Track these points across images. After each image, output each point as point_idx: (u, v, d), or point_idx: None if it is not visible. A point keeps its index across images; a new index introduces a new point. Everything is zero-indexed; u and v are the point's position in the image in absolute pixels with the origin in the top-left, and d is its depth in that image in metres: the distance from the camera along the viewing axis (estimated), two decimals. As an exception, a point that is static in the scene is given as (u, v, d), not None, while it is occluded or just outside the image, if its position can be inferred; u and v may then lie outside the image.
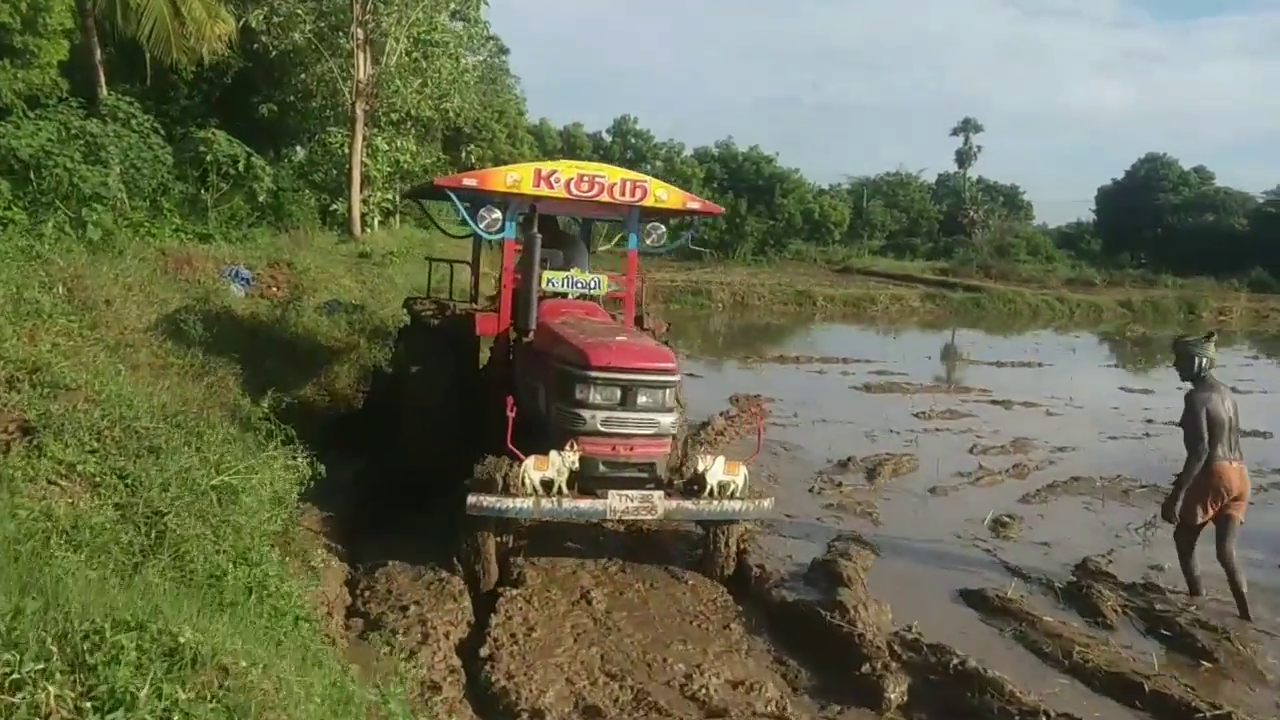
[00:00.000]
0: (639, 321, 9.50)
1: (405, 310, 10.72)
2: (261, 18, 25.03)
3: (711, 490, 7.39)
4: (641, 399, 7.36)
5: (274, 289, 14.69)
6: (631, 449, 7.41)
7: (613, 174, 8.69)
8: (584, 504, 7.17)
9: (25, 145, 13.08)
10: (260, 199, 21.11)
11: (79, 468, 5.37)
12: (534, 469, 7.07)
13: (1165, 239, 77.71)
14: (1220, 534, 7.83)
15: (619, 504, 7.18)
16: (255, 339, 11.73)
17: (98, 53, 20.26)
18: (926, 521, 9.74)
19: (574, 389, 7.34)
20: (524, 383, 8.34)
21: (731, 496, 7.41)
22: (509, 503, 6.96)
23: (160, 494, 5.46)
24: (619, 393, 7.32)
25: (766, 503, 7.62)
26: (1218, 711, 5.82)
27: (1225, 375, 10.52)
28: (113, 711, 2.89)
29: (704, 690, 6.00)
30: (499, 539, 7.41)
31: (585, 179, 8.58)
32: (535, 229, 8.43)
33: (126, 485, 5.47)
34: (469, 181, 8.51)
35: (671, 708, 5.75)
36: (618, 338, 7.82)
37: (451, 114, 31.47)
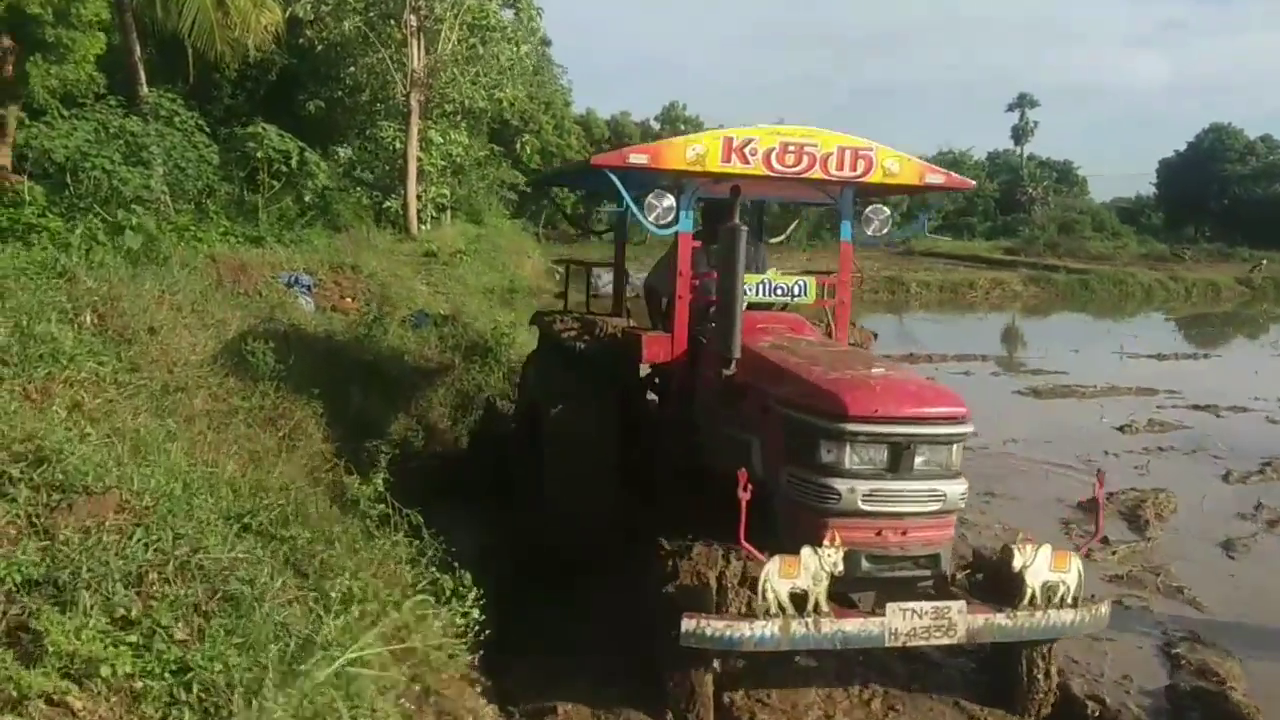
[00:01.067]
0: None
1: (536, 328, 8.16)
2: (310, 6, 23.41)
3: (1033, 596, 5.00)
4: (920, 460, 5.04)
5: (346, 299, 12.33)
6: (905, 534, 5.10)
7: (826, 141, 6.19)
8: (852, 626, 4.84)
9: (60, 146, 11.77)
10: (307, 199, 19.09)
11: (104, 669, 2.97)
12: (779, 576, 4.72)
13: (1232, 210, 74.82)
14: None
15: (902, 623, 4.85)
16: (333, 364, 9.36)
17: (137, 50, 18.21)
18: (1258, 599, 7.17)
19: (819, 448, 5.05)
20: (719, 435, 6.04)
21: (1061, 604, 5.04)
22: (744, 630, 4.69)
23: (250, 706, 3.06)
24: (887, 452, 5.02)
25: (1104, 608, 5.22)
26: None
27: None
28: None
29: None
30: (719, 672, 5.14)
31: (791, 149, 6.13)
32: (737, 218, 5.99)
33: (189, 691, 3.07)
34: (637, 158, 6.02)
35: None
36: (874, 370, 5.48)
37: (505, 103, 30.11)
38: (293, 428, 7.44)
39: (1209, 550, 8.16)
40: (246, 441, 6.61)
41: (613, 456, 6.54)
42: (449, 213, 31.72)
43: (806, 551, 4.71)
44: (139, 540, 3.70)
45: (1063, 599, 5.03)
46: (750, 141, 6.10)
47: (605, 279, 8.81)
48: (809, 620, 4.74)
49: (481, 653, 4.66)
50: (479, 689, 4.94)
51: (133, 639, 3.17)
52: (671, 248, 6.63)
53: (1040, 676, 5.34)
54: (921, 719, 5.42)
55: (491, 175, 37.29)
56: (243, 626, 3.49)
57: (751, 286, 6.46)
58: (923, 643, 4.94)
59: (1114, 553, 7.94)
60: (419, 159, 25.58)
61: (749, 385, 5.77)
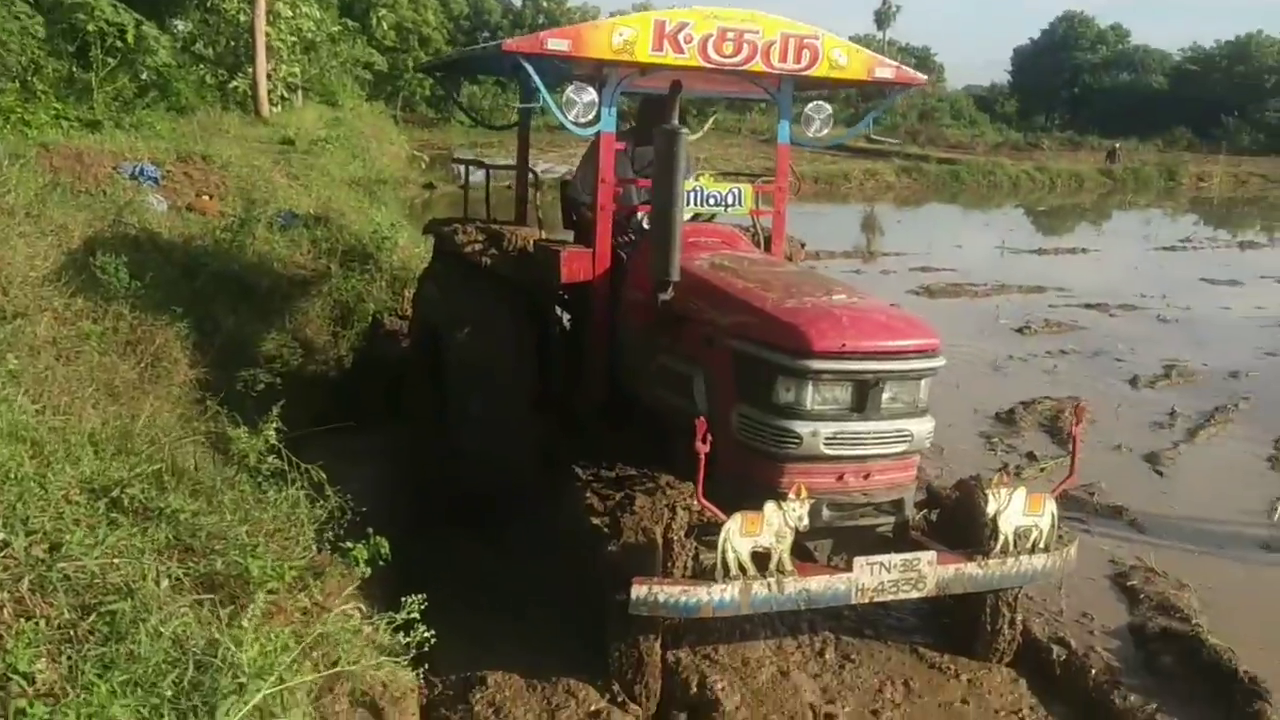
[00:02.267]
0: (767, 244, 6.43)
1: (432, 239, 7.17)
2: None
3: (1006, 542, 4.56)
4: (888, 398, 4.54)
5: (202, 196, 11.07)
6: (868, 478, 4.61)
7: (768, 26, 5.46)
8: (817, 584, 4.32)
9: None
10: (145, 78, 17.35)
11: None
12: (740, 534, 4.17)
13: (1082, 98, 77.34)
14: None
15: (869, 578, 4.37)
16: (194, 276, 8.28)
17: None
18: (1194, 518, 7.00)
19: (776, 387, 4.49)
20: (653, 365, 5.34)
21: (1033, 549, 4.62)
22: (702, 594, 4.15)
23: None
24: (852, 390, 4.49)
25: (1073, 550, 4.83)
26: None
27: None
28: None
29: None
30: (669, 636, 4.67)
31: (730, 35, 5.40)
32: (677, 119, 5.30)
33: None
34: (555, 44, 5.18)
35: None
36: (836, 296, 4.82)
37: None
38: (155, 353, 6.48)
39: (1135, 464, 7.98)
40: (102, 373, 5.72)
41: (529, 390, 5.95)
42: (300, 94, 29.67)
43: (770, 507, 4.19)
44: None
45: (1034, 544, 4.64)
46: (684, 26, 5.35)
47: (479, 171, 7.72)
48: (771, 581, 4.25)
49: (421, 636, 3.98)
50: (397, 659, 4.27)
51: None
52: (591, 149, 5.93)
53: (1005, 622, 5.01)
54: (880, 668, 5.02)
55: (345, 53, 35.06)
56: (124, 656, 2.73)
57: (683, 195, 5.50)
58: (891, 597, 4.51)
59: (1042, 469, 7.70)
60: (267, 34, 23.76)
61: (689, 312, 5.13)
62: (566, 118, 5.29)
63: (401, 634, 3.81)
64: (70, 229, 7.70)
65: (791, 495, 4.22)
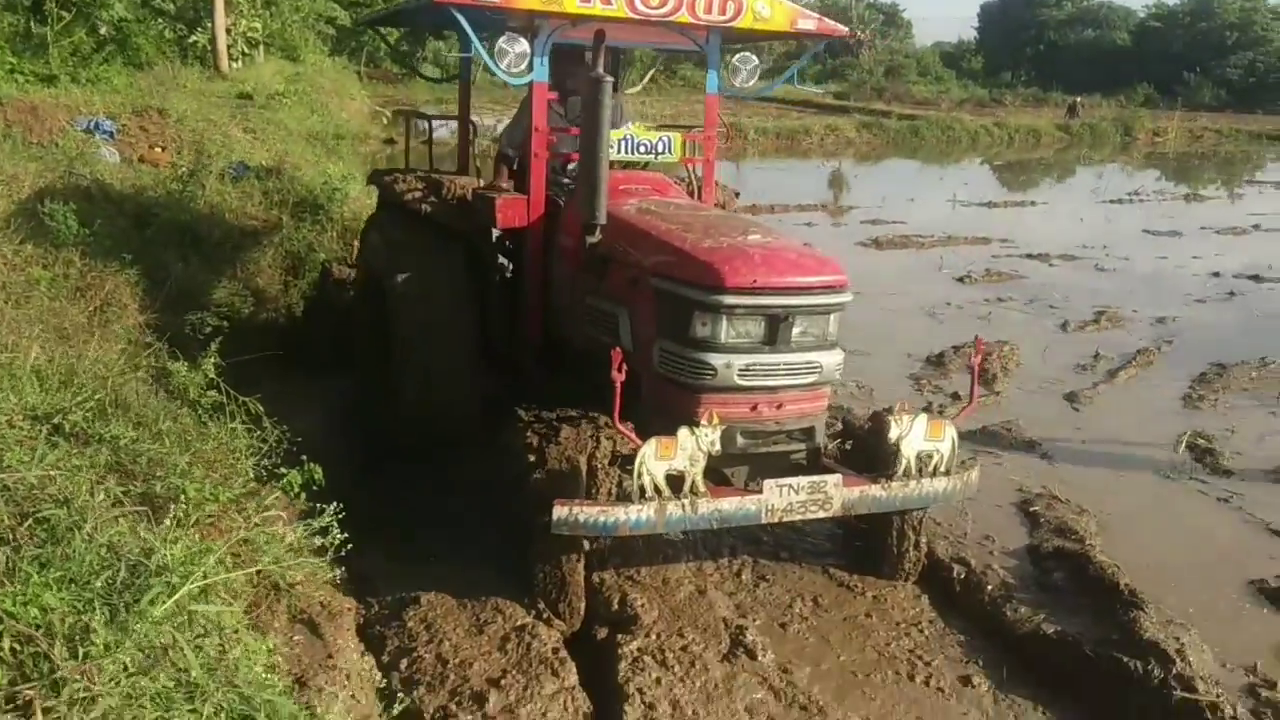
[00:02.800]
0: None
1: (375, 188, 7.36)
2: None
3: (908, 466, 4.87)
4: (798, 332, 4.81)
5: (155, 149, 11.18)
6: (780, 407, 4.91)
7: None
8: (729, 505, 4.62)
9: None
10: (103, 31, 17.23)
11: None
12: (655, 458, 4.44)
13: (1047, 55, 77.72)
14: None
15: (779, 499, 4.66)
16: (145, 224, 8.47)
17: None
18: (1104, 452, 7.38)
19: (693, 322, 4.75)
20: (583, 307, 5.59)
21: (934, 473, 4.92)
22: (619, 514, 4.43)
23: (77, 656, 2.61)
24: (764, 324, 4.75)
25: (974, 474, 5.17)
26: None
27: (1233, 209, 8.22)
28: None
29: None
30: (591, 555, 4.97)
31: None
32: (602, 67, 5.32)
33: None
34: None
35: None
36: (751, 236, 5.08)
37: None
38: (104, 300, 6.69)
39: (1055, 403, 8.35)
40: (52, 317, 5.91)
41: (469, 336, 6.13)
42: (262, 49, 29.39)
43: (684, 432, 4.45)
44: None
45: (936, 468, 4.93)
46: None
47: (440, 127, 7.92)
48: (685, 502, 4.52)
49: (335, 538, 4.25)
50: (334, 578, 4.55)
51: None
52: (525, 100, 6.07)
53: (910, 544, 5.36)
54: (792, 586, 5.35)
55: (307, 8, 34.68)
56: (60, 556, 2.99)
57: (614, 143, 5.88)
58: (799, 518, 4.80)
59: (962, 406, 8.03)
60: (226, -15, 23.50)
61: (615, 254, 5.36)
62: (499, 67, 5.44)
63: (324, 541, 4.09)
64: (21, 179, 7.87)
65: (704, 422, 4.47)
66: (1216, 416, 8.12)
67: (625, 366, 4.44)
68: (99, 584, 2.95)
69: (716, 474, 4.83)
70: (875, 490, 4.88)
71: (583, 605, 4.85)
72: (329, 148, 17.78)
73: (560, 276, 5.93)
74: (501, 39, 5.44)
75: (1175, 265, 14.46)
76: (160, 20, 23.76)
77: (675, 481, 4.52)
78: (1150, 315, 11.24)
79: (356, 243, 8.88)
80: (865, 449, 5.28)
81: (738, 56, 6.20)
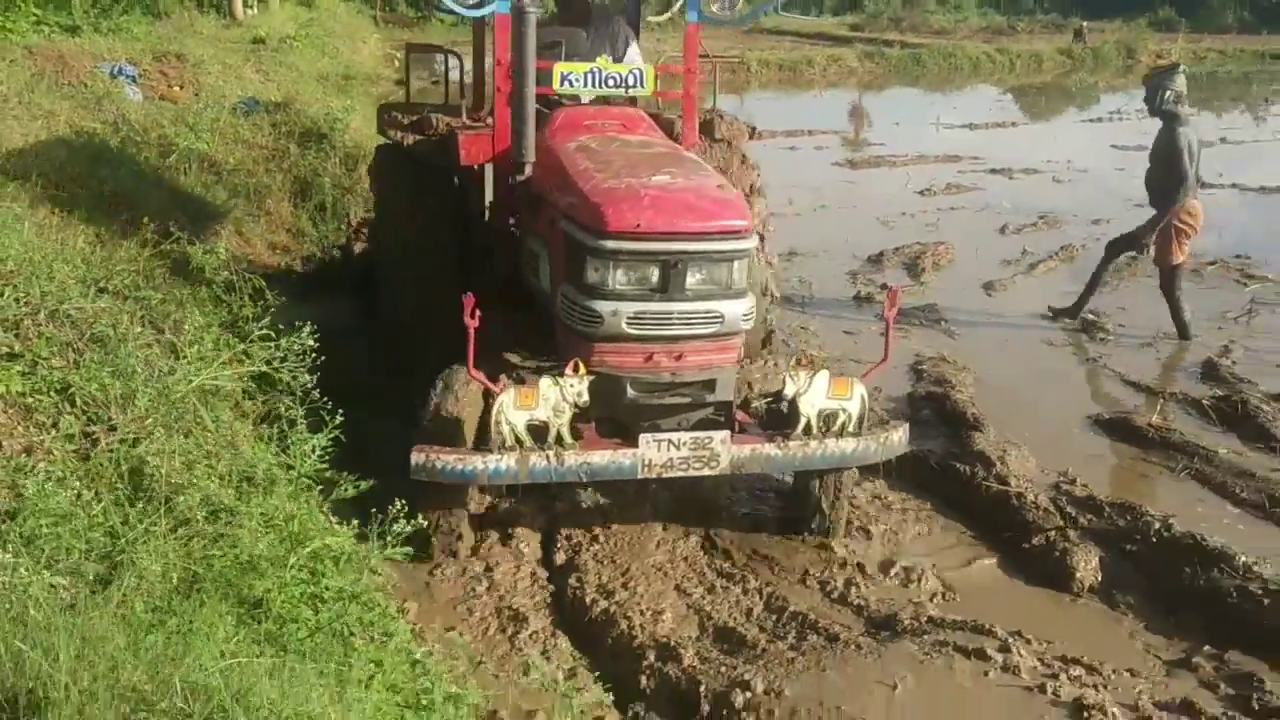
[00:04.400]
0: (707, 130, 6.43)
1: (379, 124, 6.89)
2: None
3: (809, 425, 4.69)
4: (695, 279, 4.61)
5: (174, 88, 12.29)
6: (680, 358, 4.69)
7: None
8: (600, 458, 4.53)
9: None
10: (122, -19, 18.21)
11: (-2, 389, 3.64)
12: (514, 407, 4.40)
13: (1068, -22, 76.54)
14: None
15: (657, 454, 4.52)
16: (167, 153, 9.60)
17: None
18: (1003, 327, 8.47)
19: (585, 267, 4.61)
20: (524, 247, 5.55)
21: (842, 432, 4.74)
22: (476, 463, 4.39)
23: (126, 412, 3.78)
24: (656, 271, 4.57)
25: (898, 434, 4.93)
26: None
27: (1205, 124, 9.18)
28: None
29: (854, 589, 4.72)
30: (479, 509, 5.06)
31: None
32: None
33: (72, 404, 3.77)
34: None
35: (822, 616, 4.47)
36: (656, 177, 4.80)
37: None
38: (130, 211, 7.82)
39: (974, 291, 9.40)
40: (90, 224, 7.03)
41: (448, 268, 6.00)
42: (277, -3, 30.33)
43: (545, 381, 4.41)
44: (9, 296, 4.27)
45: (843, 427, 4.72)
46: None
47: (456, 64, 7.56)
48: (550, 453, 4.43)
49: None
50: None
51: (19, 368, 3.82)
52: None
53: (829, 507, 5.08)
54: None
55: (321, -47, 35.48)
56: (111, 360, 4.15)
57: (579, 77, 5.70)
58: (681, 474, 4.60)
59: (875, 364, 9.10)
60: (239, -64, 24.36)
61: (542, 193, 5.25)
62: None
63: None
64: (57, 114, 9.00)
65: (569, 371, 4.40)
66: (1116, 297, 9.15)
67: (511, 290, 4.68)
68: (140, 376, 4.11)
69: (621, 429, 4.72)
70: (770, 449, 4.65)
71: (470, 541, 4.87)
72: (339, 87, 18.83)
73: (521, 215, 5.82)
74: None
75: (1131, 175, 15.21)
76: (177, -31, 24.75)
77: (542, 432, 4.45)
78: (1088, 218, 12.18)
79: (363, 169, 9.75)
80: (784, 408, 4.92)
81: None
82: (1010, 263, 10.31)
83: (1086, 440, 6.37)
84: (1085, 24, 42.24)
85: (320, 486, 4.05)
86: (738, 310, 4.68)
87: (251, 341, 4.58)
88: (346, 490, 3.99)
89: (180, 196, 8.60)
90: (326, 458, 4.05)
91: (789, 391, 4.62)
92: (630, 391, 4.62)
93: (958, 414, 6.39)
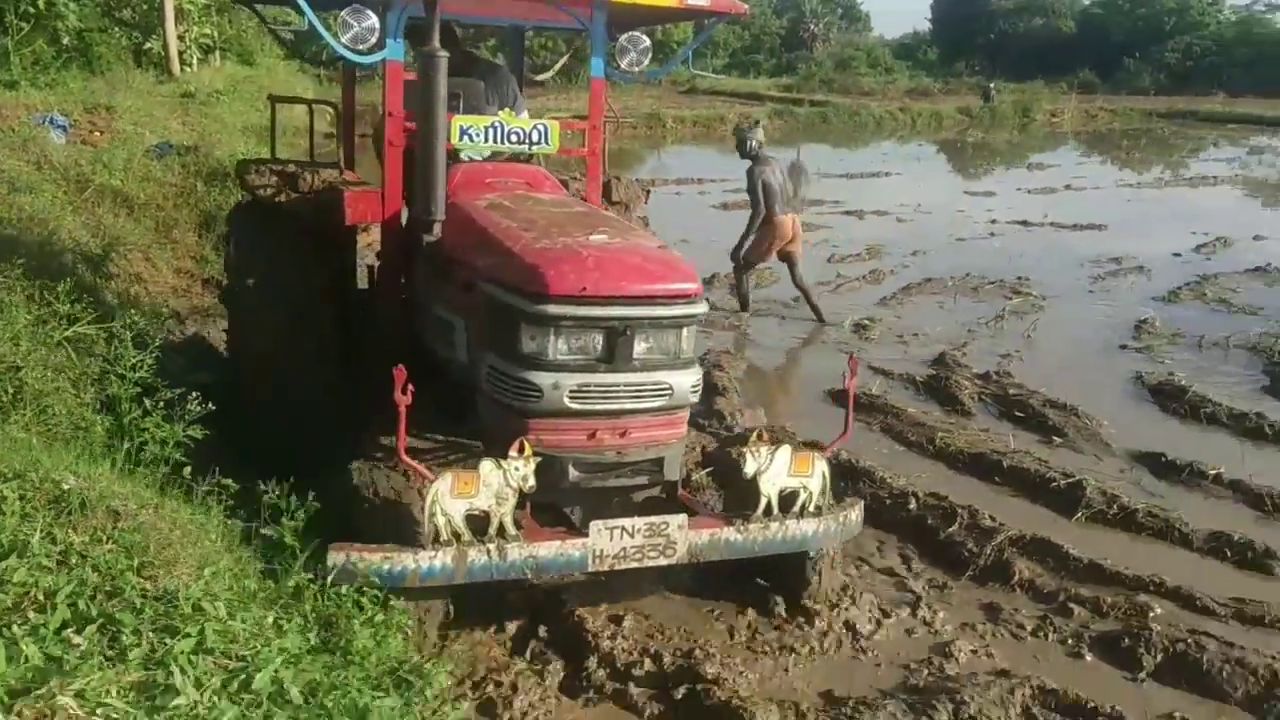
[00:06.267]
0: (605, 192, 6.17)
1: (239, 182, 6.43)
2: None
3: (769, 506, 4.46)
4: (642, 348, 4.23)
5: (96, 133, 13.70)
6: (624, 435, 4.30)
7: None
8: (547, 550, 4.13)
9: None
10: (65, 40, 19.52)
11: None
12: (452, 496, 3.96)
13: (998, 45, 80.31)
14: (791, 267, 10.48)
15: (609, 544, 4.16)
16: (82, 188, 10.99)
17: None
18: (793, 330, 10.04)
19: (519, 335, 4.17)
20: (429, 315, 5.10)
21: (803, 512, 4.52)
22: (408, 562, 3.92)
23: (12, 348, 5.16)
24: (601, 339, 4.18)
25: (854, 513, 4.74)
26: (1070, 479, 6.31)
27: (1061, 174, 10.73)
28: (5, 559, 2.77)
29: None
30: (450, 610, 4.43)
31: None
32: (437, 41, 4.60)
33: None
34: None
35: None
36: (594, 237, 4.45)
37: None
38: (50, 232, 9.20)
39: (784, 305, 11.04)
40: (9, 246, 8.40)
41: (326, 350, 5.57)
42: (218, 54, 31.67)
43: (487, 465, 3.96)
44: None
45: (804, 506, 4.49)
46: None
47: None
48: (491, 547, 4.00)
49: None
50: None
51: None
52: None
53: (813, 579, 4.76)
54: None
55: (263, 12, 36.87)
56: (8, 316, 5.53)
57: (480, 131, 5.29)
58: (636, 564, 4.22)
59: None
60: (176, -3, 25.51)
61: (455, 254, 4.78)
62: (340, 42, 4.80)
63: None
64: (-17, 155, 10.40)
65: (514, 453, 3.96)
66: (896, 308, 10.84)
67: (417, 366, 4.07)
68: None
69: (559, 515, 4.45)
70: (729, 533, 4.35)
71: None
72: (264, 138, 20.27)
73: (417, 279, 5.34)
74: (346, 11, 4.78)
75: (966, 216, 17.10)
76: (119, 29, 25.99)
77: (481, 522, 4.01)
78: (908, 250, 13.90)
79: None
80: (731, 482, 4.77)
81: (626, 37, 5.54)
82: (824, 283, 11.90)
83: (808, 401, 8.06)
84: (993, 85, 44.82)
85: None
86: (686, 383, 4.32)
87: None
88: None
89: (93, 224, 9.96)
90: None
91: (749, 469, 4.36)
92: (573, 473, 4.21)
93: (715, 389, 7.88)
